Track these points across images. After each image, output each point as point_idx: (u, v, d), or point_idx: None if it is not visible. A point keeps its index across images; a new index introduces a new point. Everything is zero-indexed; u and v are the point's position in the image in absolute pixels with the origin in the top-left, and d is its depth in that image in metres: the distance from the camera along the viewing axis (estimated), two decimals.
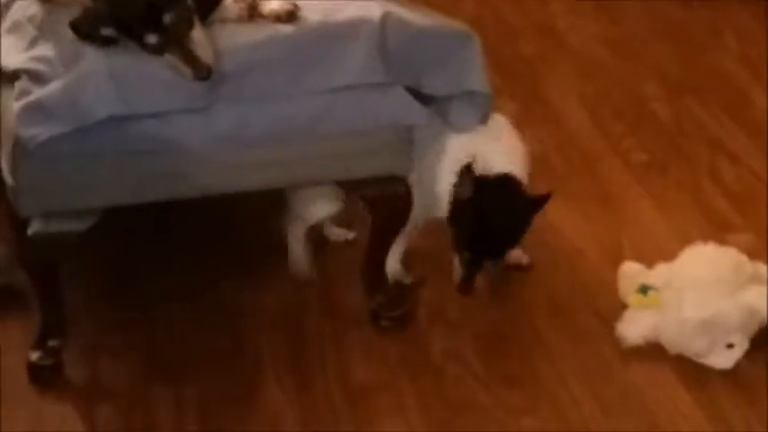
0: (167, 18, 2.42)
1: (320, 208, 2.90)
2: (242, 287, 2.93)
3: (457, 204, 2.75)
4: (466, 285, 2.80)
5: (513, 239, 2.80)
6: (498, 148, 2.78)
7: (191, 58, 2.43)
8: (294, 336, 2.80)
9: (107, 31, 2.45)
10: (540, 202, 2.76)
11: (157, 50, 2.44)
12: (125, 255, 3.04)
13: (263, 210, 3.06)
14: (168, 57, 2.44)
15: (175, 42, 2.43)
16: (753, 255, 2.87)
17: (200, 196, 2.60)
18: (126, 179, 2.51)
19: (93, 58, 2.42)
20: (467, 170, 2.72)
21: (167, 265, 3.01)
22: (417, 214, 2.80)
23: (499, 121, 2.85)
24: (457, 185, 2.74)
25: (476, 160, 2.72)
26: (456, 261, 2.81)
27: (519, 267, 3.03)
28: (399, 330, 2.82)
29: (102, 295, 2.93)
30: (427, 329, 2.83)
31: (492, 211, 2.74)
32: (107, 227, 2.56)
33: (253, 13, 2.57)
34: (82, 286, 2.89)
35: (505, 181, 2.75)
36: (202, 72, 2.42)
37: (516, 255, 3.02)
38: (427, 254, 3.02)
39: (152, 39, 2.43)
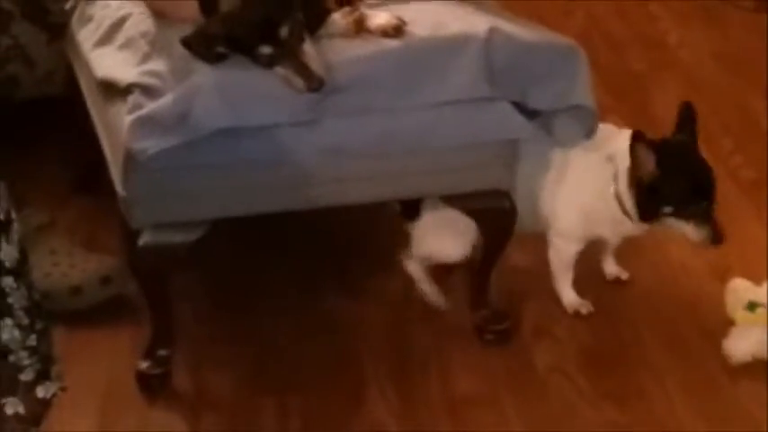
0: (283, 31, 2.45)
1: (448, 251, 2.90)
2: (347, 300, 2.95)
3: (646, 180, 2.70)
4: (719, 233, 2.71)
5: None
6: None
7: (303, 71, 2.45)
8: (398, 347, 2.81)
9: (220, 48, 2.49)
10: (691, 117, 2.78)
11: (270, 63, 2.47)
12: (233, 267, 3.08)
13: (369, 223, 3.08)
14: (280, 69, 2.47)
15: (288, 55, 2.46)
16: None
17: (307, 208, 2.63)
18: (234, 191, 2.55)
19: (203, 73, 2.46)
20: (639, 141, 2.68)
21: (274, 277, 3.04)
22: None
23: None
24: (637, 162, 2.69)
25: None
26: (690, 228, 2.72)
27: (618, 281, 3.03)
28: (503, 344, 2.82)
29: (211, 307, 2.97)
30: (531, 344, 2.83)
31: (689, 158, 2.75)
32: (216, 239, 2.59)
33: (360, 28, 2.59)
34: (191, 298, 2.93)
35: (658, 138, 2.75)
36: (315, 84, 2.45)
37: (616, 270, 3.02)
38: (528, 270, 3.03)
39: (266, 50, 2.46)
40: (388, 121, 2.55)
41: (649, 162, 2.69)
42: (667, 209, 2.73)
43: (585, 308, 2.91)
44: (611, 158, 2.77)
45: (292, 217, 2.68)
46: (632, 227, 2.82)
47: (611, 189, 2.76)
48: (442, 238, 2.88)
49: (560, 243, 2.89)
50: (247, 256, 3.12)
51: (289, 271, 3.06)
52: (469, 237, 2.84)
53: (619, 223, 2.82)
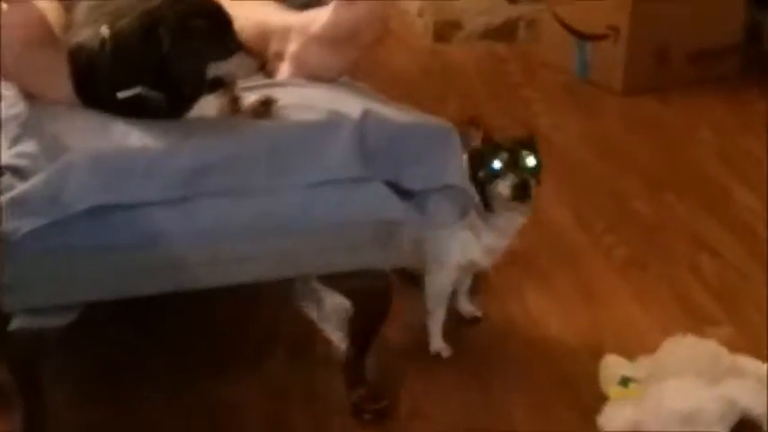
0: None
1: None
2: (223, 381, 2.92)
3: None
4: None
5: None
6: None
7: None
8: (277, 428, 2.79)
9: None
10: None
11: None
12: (107, 351, 3.04)
13: (243, 303, 3.07)
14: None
15: None
16: (732, 347, 2.88)
17: (181, 291, 2.62)
18: (106, 274, 2.52)
19: (75, 150, 2.45)
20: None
21: (149, 360, 3.01)
22: None
23: None
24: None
25: None
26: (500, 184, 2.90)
27: (476, 319, 3.18)
28: (381, 423, 2.81)
29: (85, 392, 2.92)
30: (407, 423, 2.82)
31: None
32: (90, 323, 2.56)
33: (234, 108, 2.61)
34: (64, 383, 2.88)
35: None
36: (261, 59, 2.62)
37: (471, 308, 3.18)
38: (405, 348, 3.05)
39: None
40: (261, 201, 2.55)
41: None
42: (480, 174, 2.89)
43: (446, 351, 3.02)
44: None
45: (170, 297, 2.66)
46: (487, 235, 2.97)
47: None
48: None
49: (440, 271, 3.00)
50: (124, 338, 3.08)
51: (167, 353, 3.03)
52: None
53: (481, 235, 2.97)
